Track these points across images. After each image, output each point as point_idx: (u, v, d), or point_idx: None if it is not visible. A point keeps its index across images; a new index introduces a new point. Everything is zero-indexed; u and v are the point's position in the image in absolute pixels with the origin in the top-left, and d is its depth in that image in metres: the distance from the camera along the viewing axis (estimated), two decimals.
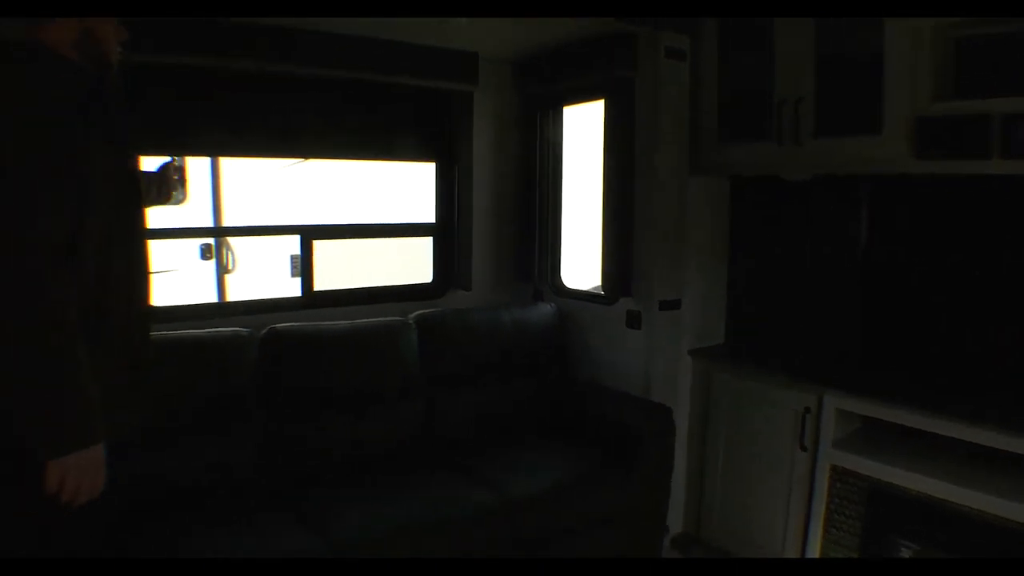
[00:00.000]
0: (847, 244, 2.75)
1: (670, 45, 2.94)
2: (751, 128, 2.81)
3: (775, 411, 2.85)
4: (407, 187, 4.48)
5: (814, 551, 2.79)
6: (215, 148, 3.45)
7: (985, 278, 2.49)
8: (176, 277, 5.00)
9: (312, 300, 3.15)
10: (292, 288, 3.23)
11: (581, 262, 3.84)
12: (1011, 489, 2.26)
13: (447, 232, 3.53)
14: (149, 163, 2.11)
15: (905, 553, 2.59)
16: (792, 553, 2.88)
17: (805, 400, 2.74)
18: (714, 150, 2.95)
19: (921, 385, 2.58)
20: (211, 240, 5.53)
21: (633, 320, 3.06)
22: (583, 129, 3.68)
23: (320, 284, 3.19)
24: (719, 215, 3.27)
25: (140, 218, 1.71)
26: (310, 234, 3.17)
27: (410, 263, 3.73)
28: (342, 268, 3.74)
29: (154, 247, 1.81)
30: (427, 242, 3.56)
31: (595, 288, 3.37)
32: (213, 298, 5.42)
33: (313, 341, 2.76)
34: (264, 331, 2.70)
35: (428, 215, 3.56)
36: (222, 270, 5.71)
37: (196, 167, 4.75)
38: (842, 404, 2.66)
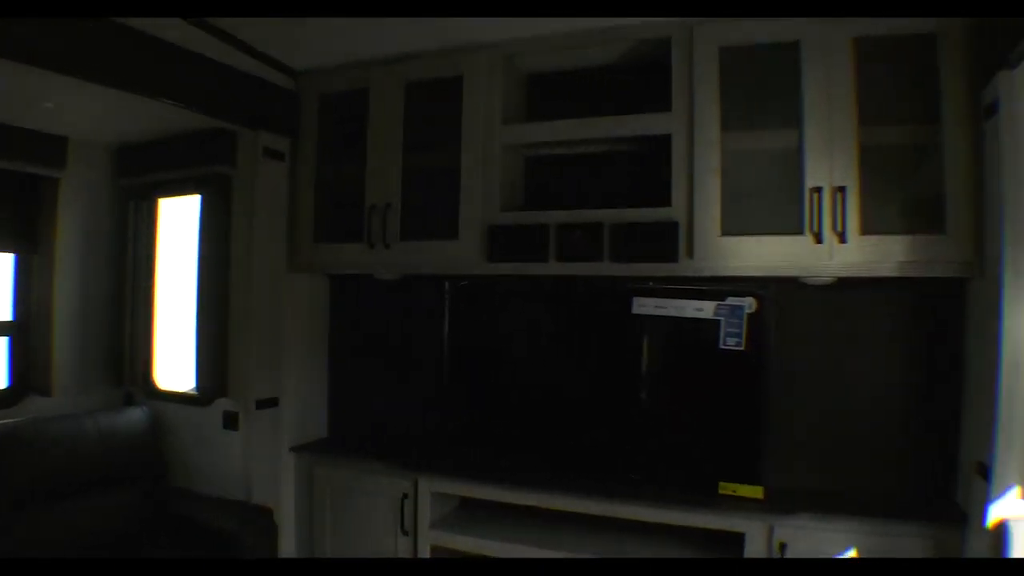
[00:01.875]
0: (434, 337, 2.98)
1: (269, 146, 3.00)
2: (345, 230, 2.96)
3: (376, 499, 2.96)
4: None
5: None
6: None
7: (559, 364, 2.86)
8: None
9: None
10: None
11: (182, 361, 3.60)
12: (584, 546, 2.69)
13: (24, 331, 3.10)
14: None
15: None
16: None
17: (403, 487, 2.89)
18: (310, 249, 3.04)
19: (511, 462, 2.87)
20: None
21: (230, 421, 2.95)
22: (183, 222, 3.53)
23: None
24: (319, 310, 3.35)
25: None
26: None
27: None
28: None
29: None
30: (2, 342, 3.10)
31: (192, 389, 3.19)
32: None
33: None
34: None
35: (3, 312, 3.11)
36: None
37: None
38: (436, 487, 2.87)
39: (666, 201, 2.53)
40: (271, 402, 3.01)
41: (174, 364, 3.36)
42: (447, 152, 2.81)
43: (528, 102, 3.02)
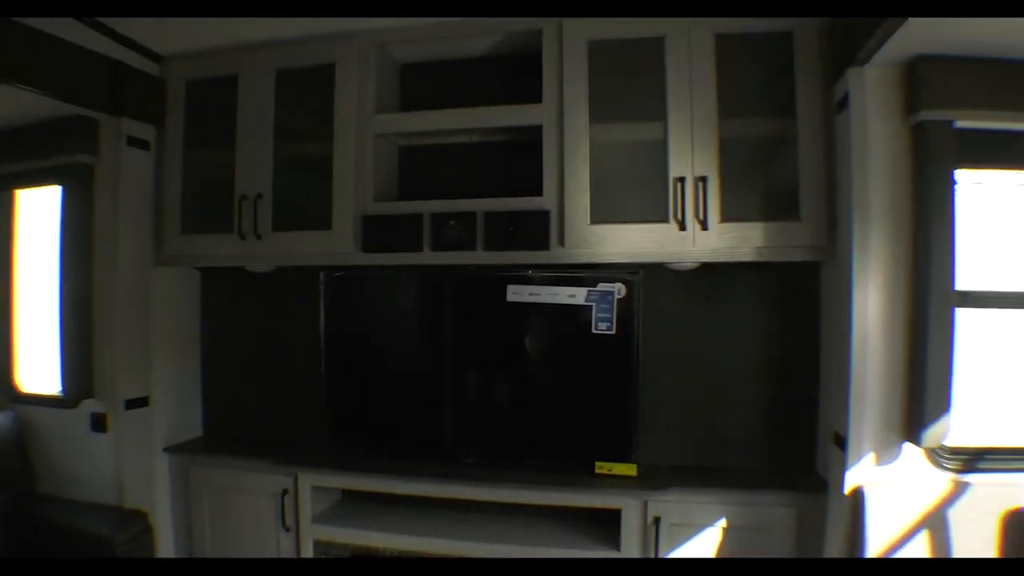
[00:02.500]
0: (310, 330, 2.94)
1: (133, 133, 2.87)
2: (214, 221, 2.87)
3: (255, 497, 2.91)
4: None
5: None
6: None
7: (437, 353, 2.86)
8: None
9: None
10: None
11: (46, 362, 3.41)
12: (469, 532, 2.75)
13: None
14: None
15: None
16: None
17: (282, 482, 2.85)
18: (178, 242, 2.93)
19: (391, 452, 2.89)
20: None
21: (98, 423, 2.82)
22: (43, 215, 3.32)
23: None
24: (189, 306, 3.24)
25: None
26: None
27: None
28: None
29: None
30: None
31: (57, 391, 3.03)
32: None
33: None
34: None
35: None
36: None
37: None
38: (316, 481, 2.84)
39: (538, 191, 2.57)
40: (141, 402, 2.90)
41: (37, 365, 3.18)
42: (320, 141, 2.76)
43: (402, 91, 3.00)
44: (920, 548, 2.15)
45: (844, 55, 2.28)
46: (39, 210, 3.19)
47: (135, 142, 2.88)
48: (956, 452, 2.27)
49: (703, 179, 2.44)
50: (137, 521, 2.72)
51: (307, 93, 2.80)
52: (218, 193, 2.86)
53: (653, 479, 2.62)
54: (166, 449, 3.03)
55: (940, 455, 2.25)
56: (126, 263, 2.84)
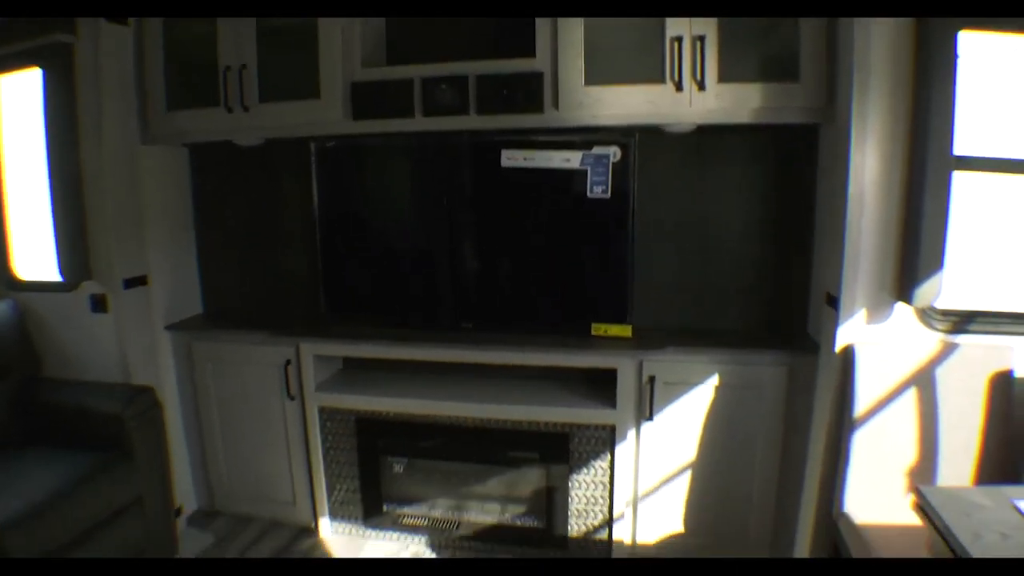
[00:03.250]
0: (303, 201, 2.93)
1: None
2: (200, 95, 2.80)
3: (259, 368, 2.97)
4: None
5: (321, 487, 3.04)
6: None
7: (432, 220, 2.87)
8: None
9: None
10: None
11: (42, 248, 3.39)
12: (469, 394, 2.83)
13: None
14: None
15: (397, 468, 3.00)
16: (303, 496, 3.08)
17: (285, 353, 2.91)
18: (164, 118, 2.87)
19: (391, 320, 2.95)
20: None
21: (98, 304, 2.84)
22: (26, 100, 3.23)
23: None
24: (179, 184, 3.20)
25: None
26: None
27: None
28: None
29: None
30: None
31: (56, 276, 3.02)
32: None
33: None
34: None
35: None
36: None
37: None
38: (318, 350, 2.89)
39: (531, 52, 2.51)
40: (139, 281, 2.91)
41: (33, 252, 3.16)
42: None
43: None
44: (908, 406, 2.20)
45: None
46: (21, 95, 3.10)
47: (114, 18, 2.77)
48: (947, 314, 2.29)
49: (701, 38, 2.37)
50: (145, 397, 2.76)
51: None
52: (201, 66, 2.78)
53: (648, 340, 2.68)
54: (168, 327, 3.07)
55: (931, 316, 2.28)
56: (112, 143, 2.78)
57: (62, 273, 2.88)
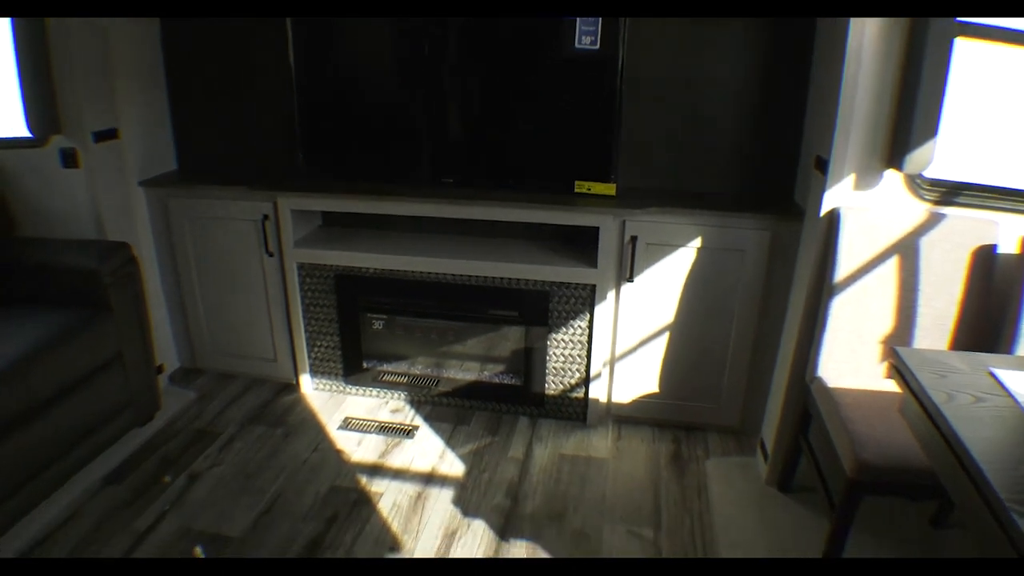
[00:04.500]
0: (278, 54, 2.77)
1: None
2: None
3: (237, 223, 2.93)
4: None
5: (301, 344, 3.06)
6: None
7: (415, 73, 2.77)
8: None
9: None
10: None
11: (7, 104, 3.26)
12: (450, 251, 2.81)
13: None
14: None
15: (377, 325, 3.02)
16: (284, 353, 3.12)
17: (262, 208, 2.86)
18: None
19: (370, 174, 2.89)
20: None
21: (68, 158, 2.75)
22: None
23: None
24: (149, 33, 3.02)
25: None
26: None
27: None
28: None
29: None
30: None
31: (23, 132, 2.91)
32: None
33: None
34: None
35: None
36: None
37: None
38: (296, 204, 2.84)
39: None
40: (110, 133, 2.80)
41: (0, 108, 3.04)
42: None
43: None
44: (889, 273, 2.19)
45: None
46: None
47: None
48: (935, 184, 2.25)
49: None
50: (120, 252, 2.71)
51: None
52: None
53: (632, 199, 2.64)
54: (141, 183, 2.98)
55: (919, 185, 2.24)
56: None
57: (30, 127, 2.77)
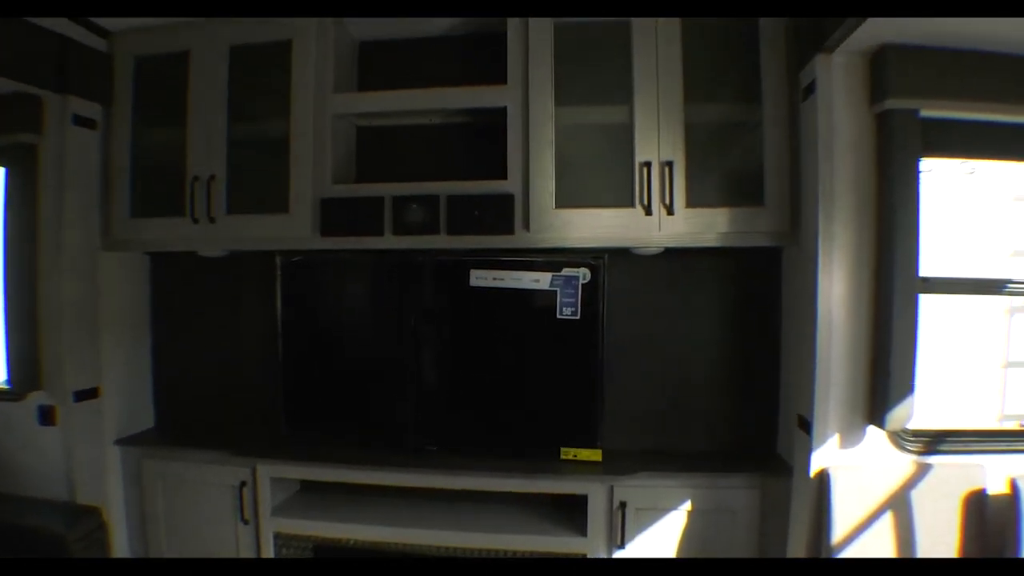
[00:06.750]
0: (267, 316, 2.86)
1: (79, 112, 2.73)
2: (165, 204, 2.75)
3: (212, 489, 2.83)
4: None
5: None
6: None
7: (399, 339, 2.79)
8: None
9: None
10: None
11: None
12: (433, 520, 2.72)
13: None
14: None
15: None
16: None
17: (240, 474, 2.78)
18: (127, 225, 2.80)
19: (353, 441, 2.85)
20: None
21: (46, 416, 2.71)
22: None
23: None
24: (138, 293, 3.11)
25: None
26: None
27: None
28: None
29: None
30: None
31: (2, 383, 2.90)
32: None
33: None
34: None
35: None
36: None
37: None
38: (275, 472, 2.77)
39: (502, 174, 2.53)
40: (90, 393, 2.78)
41: None
42: (276, 121, 2.67)
43: (360, 70, 2.93)
44: (885, 529, 2.17)
45: (811, 42, 2.27)
46: None
47: (81, 121, 2.75)
48: (918, 435, 2.30)
49: (669, 164, 2.42)
50: (90, 517, 2.62)
51: (262, 71, 2.69)
52: (169, 175, 2.74)
53: (618, 464, 2.62)
54: (117, 441, 2.91)
55: (903, 438, 2.28)
56: (72, 248, 2.71)
57: (11, 381, 2.76)
